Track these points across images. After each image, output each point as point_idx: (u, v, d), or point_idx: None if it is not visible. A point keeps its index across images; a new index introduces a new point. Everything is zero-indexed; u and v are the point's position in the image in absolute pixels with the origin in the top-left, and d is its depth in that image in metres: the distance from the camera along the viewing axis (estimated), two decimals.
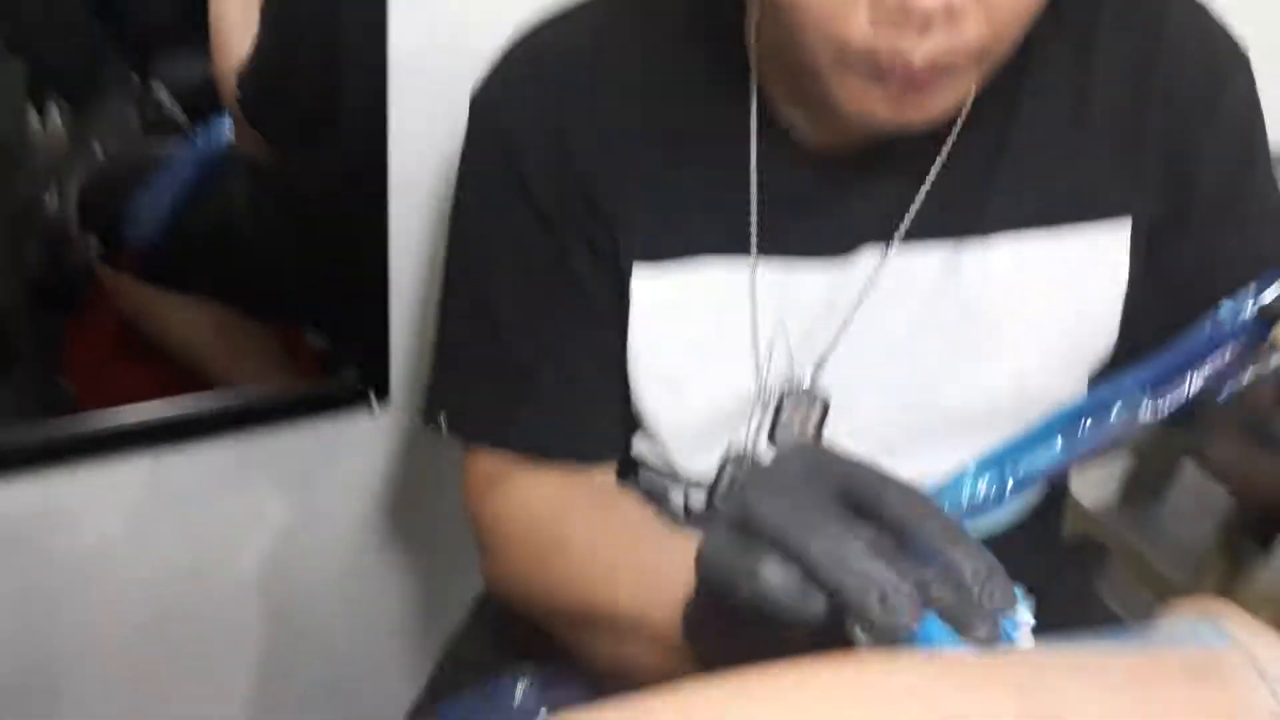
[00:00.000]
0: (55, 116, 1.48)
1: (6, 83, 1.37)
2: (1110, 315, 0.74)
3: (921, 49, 0.55)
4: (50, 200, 1.49)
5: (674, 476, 0.79)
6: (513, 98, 0.73)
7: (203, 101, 1.32)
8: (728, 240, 0.71)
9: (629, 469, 0.83)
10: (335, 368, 1.15)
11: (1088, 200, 0.72)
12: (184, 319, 1.22)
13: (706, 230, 0.71)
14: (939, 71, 0.57)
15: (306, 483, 1.19)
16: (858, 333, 0.72)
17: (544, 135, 0.71)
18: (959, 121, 0.70)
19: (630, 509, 0.76)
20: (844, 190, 0.71)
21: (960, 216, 0.71)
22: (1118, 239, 0.72)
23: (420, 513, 1.28)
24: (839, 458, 0.49)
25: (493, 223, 0.76)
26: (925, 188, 0.70)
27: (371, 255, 1.05)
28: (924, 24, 0.53)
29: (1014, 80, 0.69)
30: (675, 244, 0.72)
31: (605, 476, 0.81)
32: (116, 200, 1.22)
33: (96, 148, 1.38)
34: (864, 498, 0.47)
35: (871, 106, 0.60)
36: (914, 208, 0.70)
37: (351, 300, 1.08)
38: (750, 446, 0.75)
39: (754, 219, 0.70)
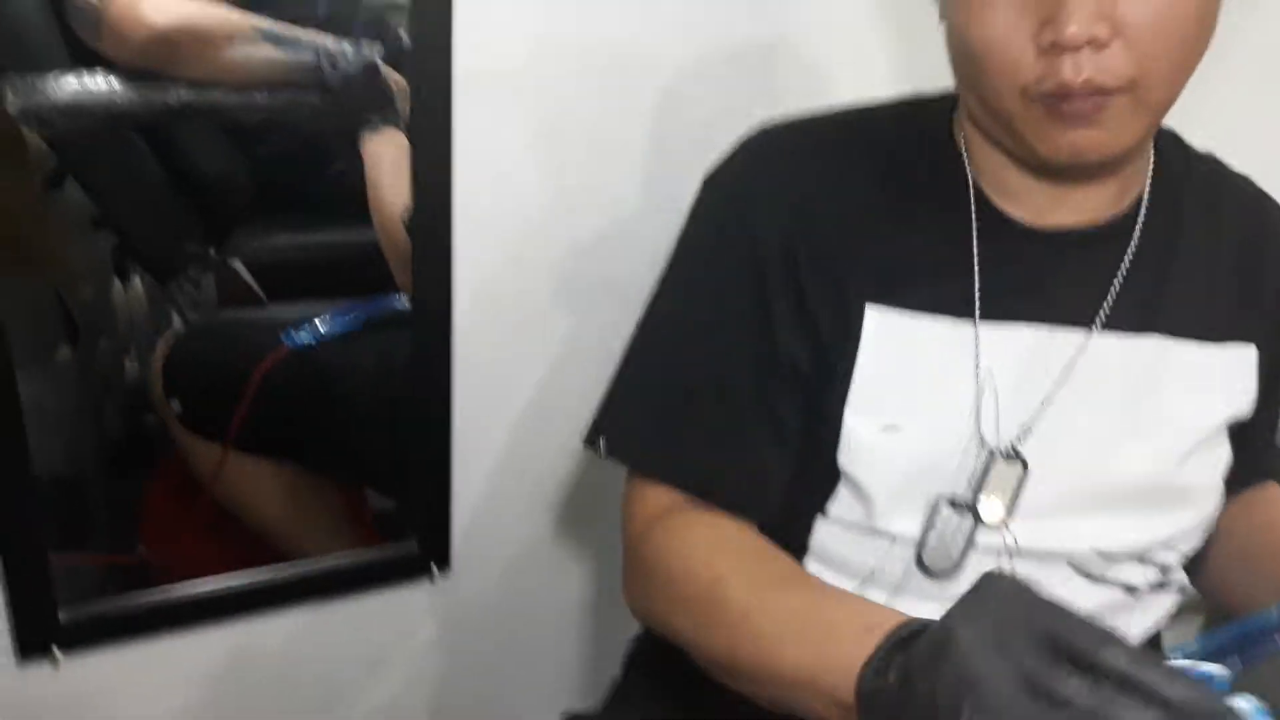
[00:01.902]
0: (137, 285, 1.56)
1: (94, 254, 1.45)
2: (1242, 419, 0.86)
3: (1079, 74, 0.67)
4: (130, 365, 1.56)
5: (872, 532, 0.81)
6: (754, 172, 0.83)
7: (277, 275, 1.39)
8: (952, 302, 0.79)
9: (799, 551, 0.84)
10: (398, 534, 1.18)
11: (1228, 324, 0.84)
12: (258, 482, 1.25)
13: (932, 291, 0.79)
14: (1097, 96, 0.68)
15: (374, 650, 1.21)
16: (1057, 405, 0.80)
17: (782, 203, 0.81)
18: (1139, 221, 0.82)
19: (792, 565, 0.78)
20: (1053, 270, 0.81)
21: (1144, 314, 0.82)
22: (1248, 361, 0.85)
23: (486, 678, 1.28)
24: (1047, 605, 0.53)
25: (706, 275, 0.83)
26: (1117, 282, 0.81)
27: (438, 428, 1.08)
28: (1075, 52, 0.67)
29: (1177, 195, 0.83)
30: (904, 297, 0.79)
31: (757, 533, 0.82)
32: (200, 368, 1.27)
33: (176, 317, 1.45)
34: (1076, 650, 0.50)
35: (1056, 139, 0.71)
36: (1109, 299, 0.81)
37: (417, 470, 1.11)
38: (958, 499, 0.79)
39: (977, 288, 0.79)
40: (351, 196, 1.26)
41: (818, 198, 0.81)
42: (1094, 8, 0.66)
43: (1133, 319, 0.81)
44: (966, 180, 0.81)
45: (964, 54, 0.73)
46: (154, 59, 1.17)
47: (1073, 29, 0.66)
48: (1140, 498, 0.82)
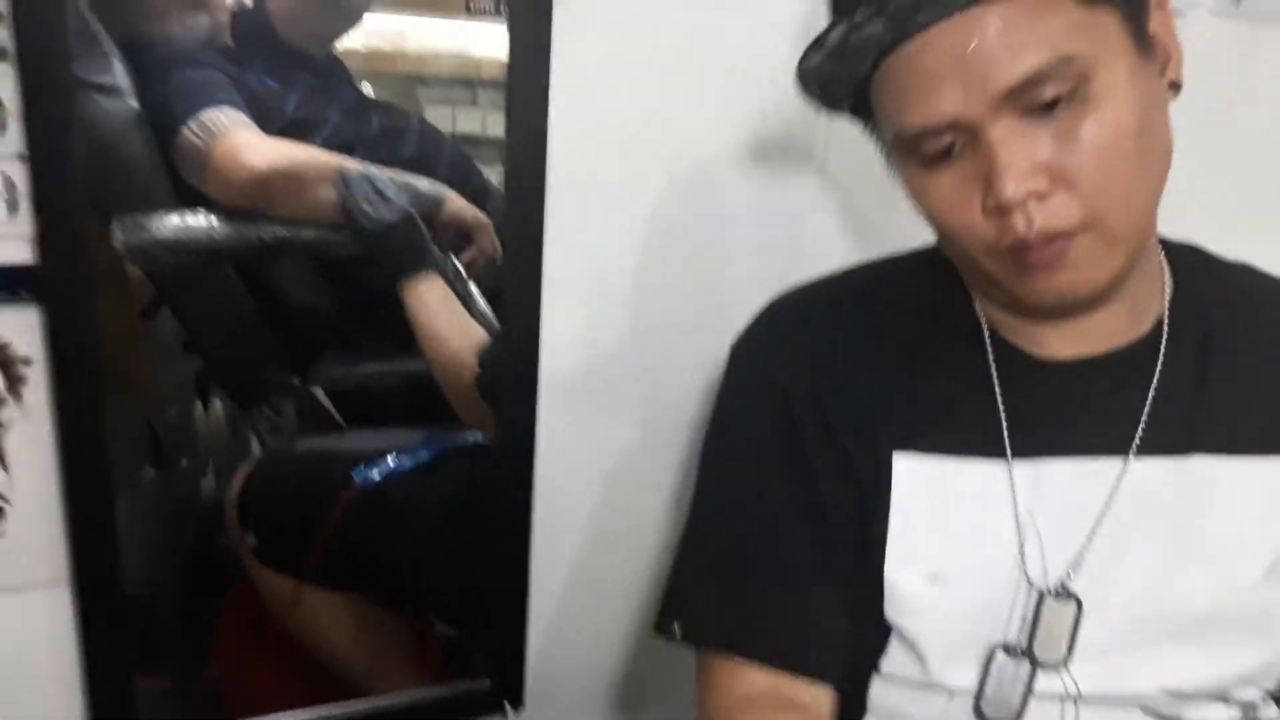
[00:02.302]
0: (218, 408, 1.60)
1: (179, 378, 1.50)
2: None
3: (1031, 225, 0.66)
4: (205, 486, 1.60)
5: (928, 687, 0.79)
6: (777, 333, 0.84)
7: (356, 403, 1.42)
8: (981, 443, 0.78)
9: (858, 709, 0.83)
10: (464, 664, 1.17)
11: (1278, 433, 0.79)
12: (328, 615, 1.26)
13: (960, 434, 0.78)
14: (1054, 242, 0.67)
15: None
16: (1103, 538, 0.77)
17: (805, 359, 0.81)
18: (1163, 341, 0.79)
19: None
20: (1079, 401, 0.78)
21: (1181, 435, 0.78)
22: None
23: None
24: None
25: (745, 440, 0.83)
26: (1147, 405, 0.78)
27: (514, 564, 1.09)
28: (1021, 209, 0.65)
29: (1203, 308, 0.80)
30: (932, 442, 0.78)
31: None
32: (275, 504, 1.29)
33: (254, 441, 1.49)
34: None
35: (1033, 287, 0.70)
36: (1141, 423, 0.78)
37: (492, 605, 1.11)
38: (1012, 646, 0.77)
39: (1005, 425, 0.77)
40: None
41: (839, 351, 0.81)
42: (1026, 165, 0.65)
43: (1170, 441, 0.78)
44: (979, 321, 0.80)
45: (927, 221, 0.75)
46: (252, 198, 1.23)
47: (1008, 192, 0.65)
48: (1209, 629, 0.78)
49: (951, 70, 0.65)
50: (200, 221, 1.23)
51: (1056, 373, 0.79)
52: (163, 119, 1.23)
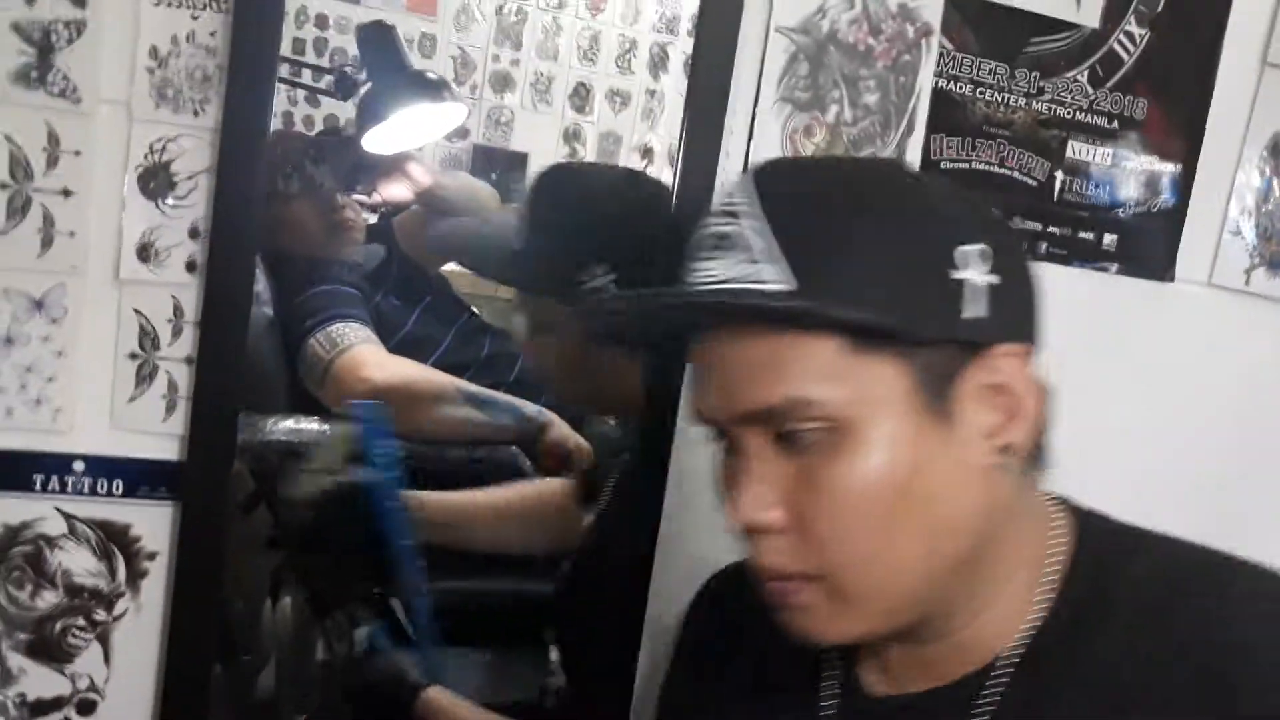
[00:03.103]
0: (286, 606, 1.60)
1: (257, 573, 1.51)
2: None
3: (759, 558, 0.61)
4: (264, 685, 1.57)
5: None
6: (694, 607, 0.81)
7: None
8: None
9: None
10: None
11: None
12: None
13: None
14: (780, 581, 0.61)
15: None
16: None
17: (700, 643, 0.79)
18: (1005, 679, 0.65)
19: None
20: None
21: None
22: None
23: None
24: None
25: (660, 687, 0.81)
26: None
27: None
28: (754, 536, 0.60)
29: (1087, 637, 0.65)
30: None
31: None
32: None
33: (320, 645, 1.47)
34: None
35: (780, 616, 0.63)
36: None
37: None
38: None
39: None
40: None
41: (716, 642, 0.77)
42: (764, 491, 0.59)
43: None
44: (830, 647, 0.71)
45: None
46: None
47: (737, 515, 0.60)
48: None
49: (712, 376, 0.61)
50: (312, 426, 1.28)
51: (875, 712, 0.69)
52: (293, 328, 1.29)
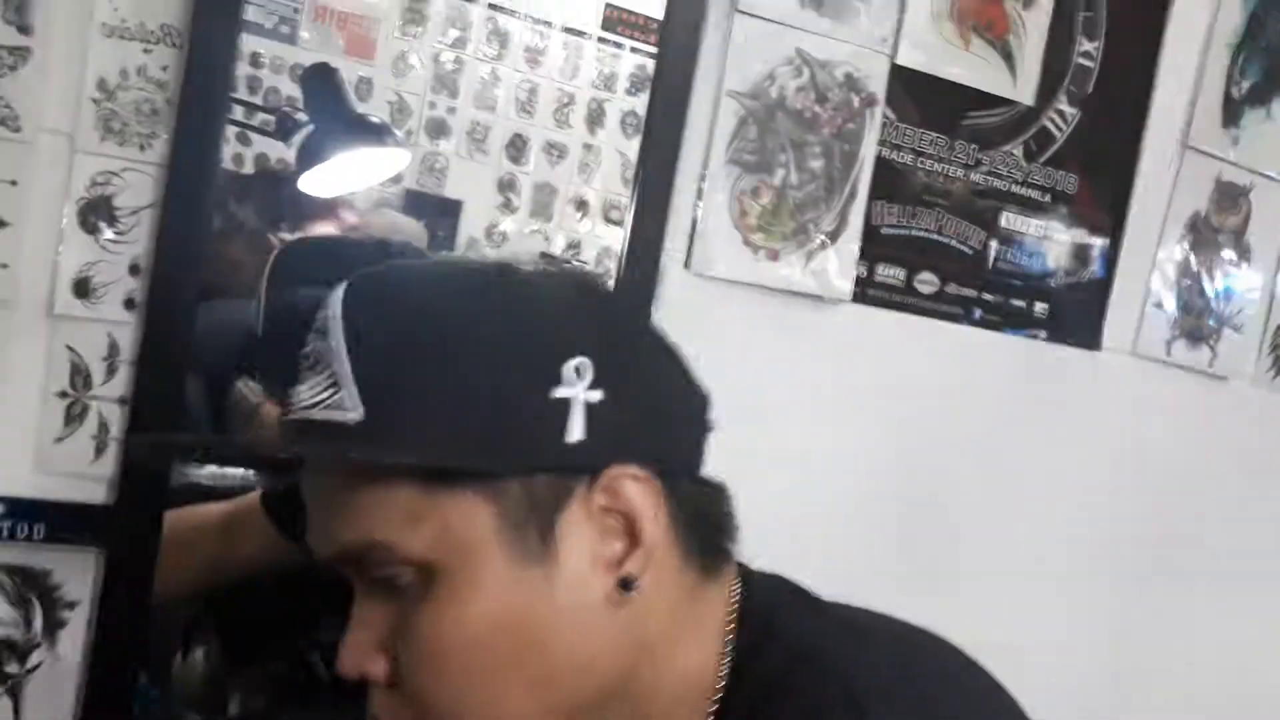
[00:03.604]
0: (199, 658, 1.53)
1: (168, 626, 1.45)
2: None
3: (371, 708, 0.55)
4: None
5: None
6: None
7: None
8: None
9: None
10: None
11: None
12: None
13: None
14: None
15: None
16: None
17: None
18: None
19: None
20: None
21: None
22: None
23: None
24: None
25: None
26: None
27: None
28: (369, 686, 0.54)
29: None
30: None
31: None
32: None
33: (234, 702, 1.41)
34: None
35: None
36: None
37: None
38: None
39: None
40: None
41: None
42: (363, 640, 0.54)
43: None
44: None
45: None
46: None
47: (340, 668, 0.54)
48: None
49: (310, 513, 0.56)
50: (238, 472, 1.24)
51: None
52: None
